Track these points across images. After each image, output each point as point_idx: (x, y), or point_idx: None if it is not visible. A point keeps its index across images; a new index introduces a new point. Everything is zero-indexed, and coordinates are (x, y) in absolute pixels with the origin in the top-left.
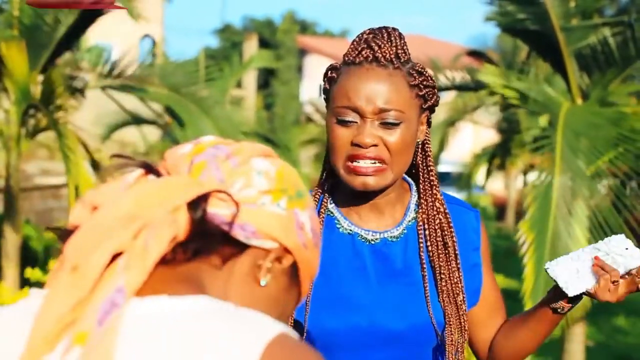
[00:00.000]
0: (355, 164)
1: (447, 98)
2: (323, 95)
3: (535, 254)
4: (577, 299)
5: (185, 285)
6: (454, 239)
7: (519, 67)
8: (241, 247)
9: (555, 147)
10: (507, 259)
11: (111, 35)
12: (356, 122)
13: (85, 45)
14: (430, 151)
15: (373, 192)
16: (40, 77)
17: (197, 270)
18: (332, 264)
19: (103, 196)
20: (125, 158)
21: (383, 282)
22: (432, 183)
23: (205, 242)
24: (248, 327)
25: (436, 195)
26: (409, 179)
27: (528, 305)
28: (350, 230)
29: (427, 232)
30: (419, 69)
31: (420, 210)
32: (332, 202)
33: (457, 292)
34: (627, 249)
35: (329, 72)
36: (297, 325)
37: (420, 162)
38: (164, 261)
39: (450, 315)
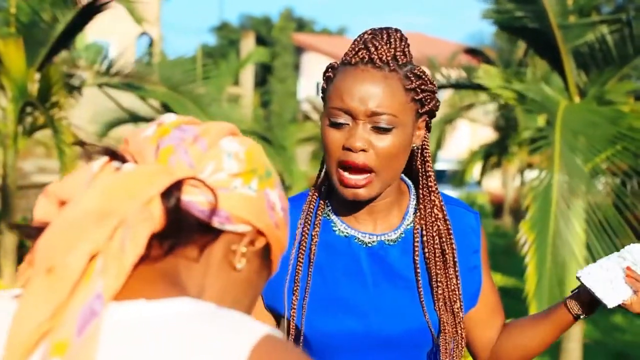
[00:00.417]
0: (345, 174)
1: (444, 96)
2: (321, 94)
3: (536, 253)
4: (598, 305)
5: (164, 284)
6: (453, 245)
7: (516, 66)
8: (215, 233)
9: (554, 146)
10: (504, 257)
11: (108, 34)
12: (348, 125)
13: (82, 43)
14: (429, 156)
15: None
16: (37, 75)
17: (174, 266)
18: (329, 266)
19: (68, 189)
20: (88, 145)
21: (379, 285)
22: (430, 189)
23: (182, 232)
24: (233, 329)
25: (434, 201)
26: (408, 181)
27: (532, 305)
28: (347, 232)
29: (424, 238)
30: (418, 73)
31: (419, 216)
32: (328, 204)
33: (454, 299)
34: None
35: (327, 71)
36: (294, 328)
37: (419, 167)
38: (141, 257)
39: (445, 323)
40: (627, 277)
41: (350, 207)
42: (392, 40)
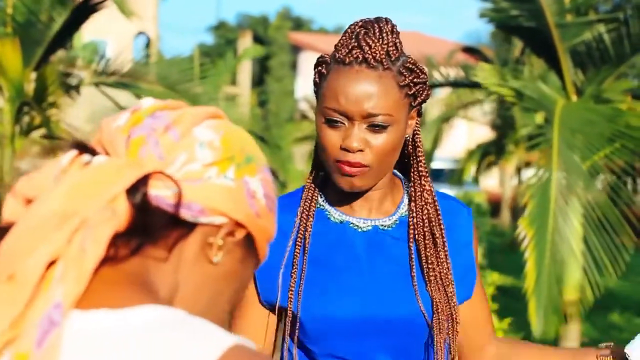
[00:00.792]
0: (343, 165)
1: (441, 95)
2: (314, 89)
3: (535, 250)
4: None
5: (130, 288)
6: (442, 230)
7: (513, 64)
8: (189, 227)
9: (552, 144)
10: (502, 255)
11: (105, 33)
12: (344, 124)
13: (79, 43)
14: (421, 142)
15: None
16: (34, 75)
17: (142, 267)
18: (325, 253)
19: (35, 186)
20: (57, 139)
21: (375, 270)
22: (420, 173)
23: (149, 230)
24: (199, 339)
25: (424, 186)
26: (401, 176)
27: (532, 301)
28: (342, 219)
29: (415, 220)
30: (410, 66)
31: (411, 201)
32: (322, 196)
33: (447, 283)
34: None
35: (319, 65)
36: (290, 315)
37: (410, 151)
38: (105, 258)
39: (438, 303)
40: None
41: (344, 196)
42: (384, 35)
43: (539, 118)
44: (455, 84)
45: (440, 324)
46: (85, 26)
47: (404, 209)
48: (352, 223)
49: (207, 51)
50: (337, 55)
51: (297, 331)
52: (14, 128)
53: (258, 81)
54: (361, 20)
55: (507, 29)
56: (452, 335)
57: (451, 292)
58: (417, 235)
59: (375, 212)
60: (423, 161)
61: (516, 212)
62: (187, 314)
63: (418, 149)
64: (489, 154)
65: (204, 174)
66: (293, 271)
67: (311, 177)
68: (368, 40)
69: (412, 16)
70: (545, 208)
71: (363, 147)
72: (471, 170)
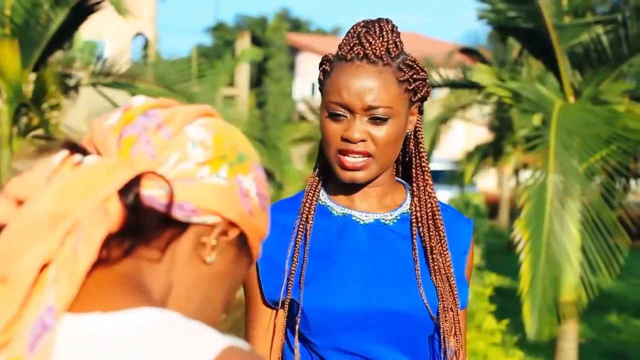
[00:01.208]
0: (344, 157)
1: (439, 95)
2: (318, 86)
3: (531, 252)
4: None
5: (124, 290)
6: (442, 222)
7: (511, 65)
8: (181, 227)
9: (549, 146)
10: (500, 256)
11: (104, 34)
12: (346, 117)
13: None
14: (422, 138)
15: (362, 184)
16: (32, 76)
17: (135, 268)
18: (326, 245)
19: (27, 187)
20: (48, 139)
21: (377, 261)
22: (423, 169)
23: (141, 230)
24: (193, 342)
25: (427, 180)
26: (403, 182)
27: (526, 302)
28: (344, 212)
29: (419, 214)
30: (409, 63)
31: (413, 195)
32: (324, 192)
33: (449, 272)
34: None
35: (323, 63)
36: (292, 307)
37: (412, 148)
38: (98, 260)
39: (443, 293)
40: None
41: (345, 192)
42: (384, 33)
43: (536, 120)
44: (453, 85)
45: (446, 312)
46: (83, 27)
47: (405, 207)
48: (354, 216)
49: (205, 52)
50: (340, 53)
51: (297, 323)
52: (12, 129)
53: (256, 82)
54: (363, 21)
55: (505, 30)
56: (456, 324)
57: (453, 282)
58: (421, 227)
59: (377, 207)
60: (425, 158)
61: (514, 213)
62: (180, 315)
63: (420, 145)
64: (487, 155)
65: (197, 173)
66: (294, 263)
67: (314, 175)
68: (369, 38)
69: (411, 16)
70: (541, 210)
71: (365, 137)
72: (472, 173)
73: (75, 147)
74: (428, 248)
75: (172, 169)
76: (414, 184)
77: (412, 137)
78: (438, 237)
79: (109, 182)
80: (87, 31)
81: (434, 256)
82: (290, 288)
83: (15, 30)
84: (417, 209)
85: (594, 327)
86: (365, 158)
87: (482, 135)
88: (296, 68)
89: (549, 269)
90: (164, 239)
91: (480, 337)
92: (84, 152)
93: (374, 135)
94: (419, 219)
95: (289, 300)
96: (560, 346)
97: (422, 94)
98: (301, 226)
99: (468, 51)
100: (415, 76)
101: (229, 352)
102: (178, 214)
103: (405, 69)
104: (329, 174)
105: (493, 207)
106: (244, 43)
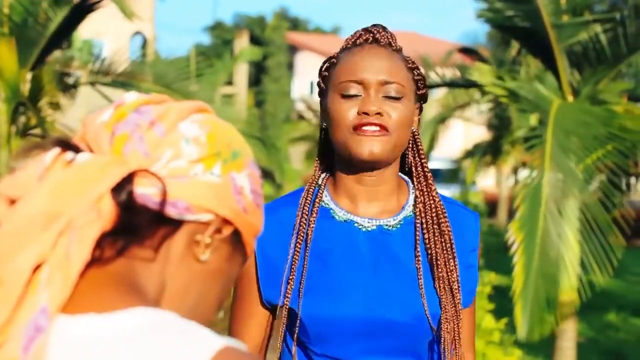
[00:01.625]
0: (362, 128)
1: (437, 95)
2: (321, 85)
3: (525, 253)
4: None
5: (118, 290)
6: (449, 227)
7: (509, 64)
8: (175, 225)
9: (546, 146)
10: (498, 255)
11: (102, 33)
12: (360, 96)
13: (78, 42)
14: (420, 142)
15: (369, 179)
16: (30, 75)
17: (129, 267)
18: (328, 252)
19: (19, 186)
20: (39, 137)
21: (379, 270)
22: (425, 173)
23: (135, 229)
24: (189, 342)
25: (431, 185)
26: (407, 178)
27: (518, 304)
28: (346, 218)
29: (423, 220)
30: (411, 60)
31: (417, 201)
32: (327, 194)
33: (453, 280)
34: None
35: (329, 60)
36: (291, 313)
37: (412, 153)
38: (91, 260)
39: (446, 303)
40: None
41: (349, 195)
42: (387, 31)
43: (533, 119)
44: (451, 85)
45: (448, 322)
46: (82, 26)
47: (408, 210)
48: (356, 222)
49: (203, 51)
50: (346, 44)
51: (296, 332)
52: (10, 128)
53: (255, 81)
54: (362, 28)
55: (504, 30)
56: (458, 333)
57: (456, 290)
58: (426, 233)
59: (380, 212)
60: (426, 160)
61: (513, 212)
62: (176, 315)
63: (419, 148)
64: (486, 154)
65: (190, 170)
66: (294, 271)
67: (316, 173)
68: (375, 29)
69: (410, 16)
70: (536, 211)
71: (382, 112)
72: (474, 173)
73: (67, 145)
74: (432, 255)
75: (165, 166)
76: (418, 190)
77: (411, 140)
78: (443, 245)
79: (101, 180)
80: (86, 30)
81: (438, 264)
82: (289, 295)
83: (13, 29)
84: (422, 215)
85: (593, 326)
86: (383, 130)
87: (481, 134)
88: (295, 67)
89: (542, 269)
90: (158, 238)
91: (479, 336)
92: (76, 150)
93: (389, 113)
94: (424, 225)
95: (287, 307)
96: (558, 345)
97: (423, 91)
98: (302, 228)
99: (466, 50)
100: (417, 71)
101: (226, 353)
102: (171, 212)
103: (410, 61)
104: (332, 176)
105: (492, 206)
106: (242, 42)
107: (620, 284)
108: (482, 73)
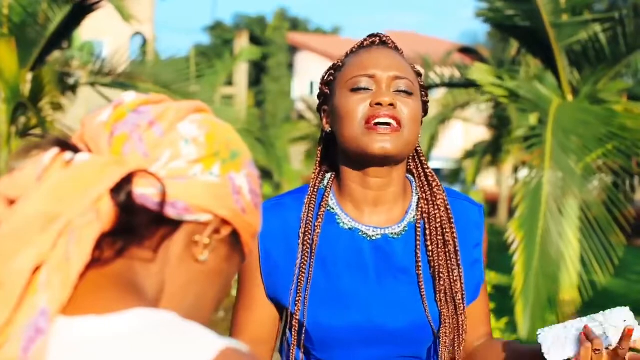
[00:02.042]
0: (375, 119)
1: (437, 95)
2: (325, 90)
3: (524, 252)
4: None
5: (117, 291)
6: (455, 235)
7: (509, 64)
8: (173, 225)
9: (545, 145)
10: (499, 254)
11: (102, 33)
12: (370, 90)
13: (78, 42)
14: (421, 150)
15: (376, 182)
16: (30, 75)
17: (128, 268)
18: (332, 259)
19: (17, 186)
20: (38, 137)
21: (382, 278)
22: (429, 180)
23: (134, 230)
24: (190, 343)
25: (436, 192)
26: (410, 177)
27: (519, 302)
28: (351, 225)
29: (427, 231)
30: (416, 69)
31: (420, 209)
32: (332, 197)
33: (456, 290)
34: (625, 321)
35: (332, 67)
36: (295, 321)
37: (413, 160)
38: (91, 261)
39: (446, 317)
40: (581, 334)
41: (355, 199)
42: (390, 38)
43: (533, 119)
44: (451, 84)
45: (447, 336)
46: (82, 26)
47: (411, 215)
48: (361, 231)
49: (203, 51)
50: (352, 49)
51: (302, 337)
52: (10, 129)
53: (255, 81)
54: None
55: (503, 29)
56: (458, 347)
57: (459, 300)
58: (430, 245)
59: (386, 218)
60: (428, 166)
61: (513, 211)
62: (176, 316)
63: (421, 155)
64: (486, 153)
65: (189, 171)
66: (300, 277)
67: (315, 179)
68: (380, 34)
69: (409, 15)
70: (535, 210)
71: (395, 103)
72: (474, 172)
73: (65, 145)
74: (435, 268)
75: (164, 166)
76: (421, 198)
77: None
78: (447, 255)
79: (100, 181)
80: (86, 30)
81: (441, 277)
82: (298, 304)
83: (13, 29)
84: (427, 225)
85: None
86: (395, 125)
87: (481, 133)
88: (295, 67)
89: (543, 268)
90: (157, 238)
91: None
92: (75, 150)
93: (401, 107)
94: (427, 236)
95: (292, 313)
96: None
97: (425, 99)
98: (308, 233)
99: (466, 50)
100: (421, 79)
101: (227, 354)
102: (170, 212)
103: (414, 67)
104: (337, 179)
105: (492, 206)
106: (242, 42)
107: (621, 282)
108: (481, 73)
